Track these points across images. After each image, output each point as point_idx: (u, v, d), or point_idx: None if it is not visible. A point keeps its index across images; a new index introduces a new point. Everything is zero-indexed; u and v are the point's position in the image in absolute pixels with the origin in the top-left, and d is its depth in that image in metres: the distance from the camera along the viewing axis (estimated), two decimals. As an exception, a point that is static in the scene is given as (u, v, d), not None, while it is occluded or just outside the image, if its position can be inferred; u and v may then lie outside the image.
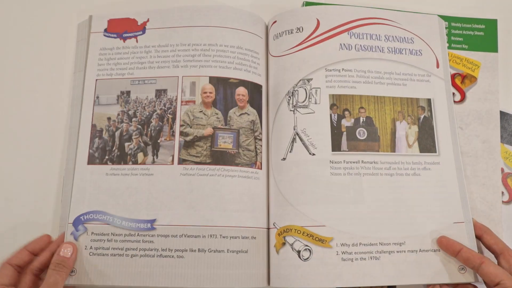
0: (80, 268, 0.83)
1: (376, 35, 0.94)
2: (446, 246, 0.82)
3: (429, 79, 0.92)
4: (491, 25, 1.01)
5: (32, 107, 0.95)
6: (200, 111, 0.88)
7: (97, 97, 0.92)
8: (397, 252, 0.82)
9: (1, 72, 0.97)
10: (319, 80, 0.90)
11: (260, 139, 0.89)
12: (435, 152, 0.88)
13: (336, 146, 0.87)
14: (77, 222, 0.85)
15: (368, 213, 0.84)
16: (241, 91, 0.90)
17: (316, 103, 0.88)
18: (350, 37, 0.93)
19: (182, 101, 0.89)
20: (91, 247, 0.84)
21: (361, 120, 0.89)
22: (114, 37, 0.95)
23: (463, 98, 0.95)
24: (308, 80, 0.89)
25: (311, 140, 0.87)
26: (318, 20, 0.92)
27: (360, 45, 0.92)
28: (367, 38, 0.93)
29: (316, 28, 0.92)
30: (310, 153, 0.86)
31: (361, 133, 0.88)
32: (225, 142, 0.87)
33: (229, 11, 0.94)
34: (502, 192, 0.92)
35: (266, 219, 0.87)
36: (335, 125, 0.88)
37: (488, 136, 0.94)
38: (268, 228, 0.86)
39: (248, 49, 0.92)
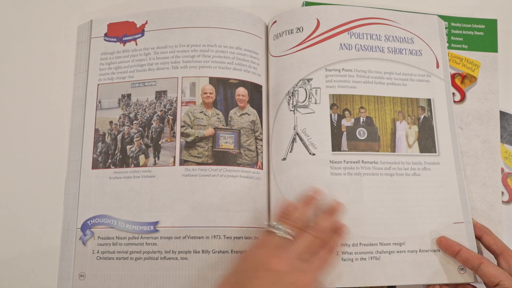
0: (89, 272, 0.85)
1: (376, 35, 0.95)
2: (445, 246, 0.84)
3: (429, 79, 0.94)
4: (491, 25, 1.02)
5: (33, 109, 0.96)
6: (201, 112, 0.90)
7: (99, 102, 0.94)
8: (397, 252, 0.84)
9: (0, 75, 0.98)
10: (319, 80, 0.91)
11: (261, 139, 0.91)
12: (435, 152, 0.90)
13: (336, 146, 0.88)
14: (84, 227, 0.88)
15: (368, 213, 0.86)
16: (241, 91, 0.92)
17: (316, 103, 0.90)
18: (350, 37, 0.94)
19: (182, 102, 0.91)
20: (98, 251, 0.86)
21: (361, 120, 0.90)
22: (114, 41, 0.97)
23: (463, 98, 0.97)
24: (308, 80, 0.91)
25: (311, 140, 0.88)
26: (318, 20, 0.94)
27: (360, 45, 0.94)
28: (367, 38, 0.94)
29: (316, 28, 0.94)
30: (310, 153, 0.88)
31: (361, 133, 0.89)
32: (226, 142, 0.89)
33: (228, 12, 0.95)
34: (502, 192, 0.94)
35: (267, 219, 0.88)
36: (335, 125, 0.89)
37: (488, 136, 0.95)
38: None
39: (248, 50, 0.94)
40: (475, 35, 1.02)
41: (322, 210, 0.82)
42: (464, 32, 1.02)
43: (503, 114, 0.98)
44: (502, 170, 0.95)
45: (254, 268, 0.70)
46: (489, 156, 0.95)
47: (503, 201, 0.93)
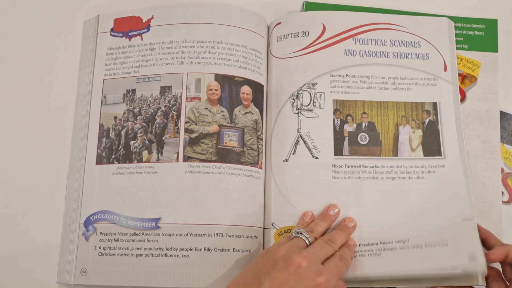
0: (90, 268, 0.82)
1: (381, 40, 0.91)
2: (496, 258, 0.76)
3: (435, 83, 0.89)
4: (491, 25, 0.98)
5: (36, 104, 0.93)
6: (206, 108, 0.86)
7: (104, 97, 0.90)
8: (400, 248, 0.79)
9: (4, 69, 0.95)
10: (324, 85, 0.87)
11: (261, 139, 0.87)
12: (441, 155, 0.86)
13: (338, 151, 0.85)
14: (87, 222, 0.84)
15: (368, 216, 0.82)
16: (246, 89, 0.87)
17: (320, 108, 0.86)
18: (355, 43, 0.90)
19: (187, 98, 0.87)
20: (100, 247, 0.83)
21: (363, 125, 0.87)
22: (120, 36, 0.92)
23: (463, 98, 0.93)
24: (313, 85, 0.87)
25: (314, 144, 0.85)
26: (324, 25, 0.90)
27: (365, 51, 0.90)
28: (372, 44, 0.90)
29: (322, 33, 0.90)
30: (313, 157, 0.84)
31: (363, 138, 0.86)
32: (230, 140, 0.85)
33: (234, 9, 0.91)
34: (502, 192, 0.90)
35: (263, 218, 0.85)
36: (337, 129, 0.86)
37: (488, 136, 0.91)
38: (264, 228, 0.84)
39: (252, 49, 0.90)
40: (475, 35, 0.97)
41: (337, 227, 0.80)
42: (464, 32, 0.97)
43: (503, 114, 0.94)
44: (502, 170, 0.92)
45: (274, 261, 0.69)
46: (489, 156, 0.91)
47: (503, 201, 0.90)
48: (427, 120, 0.87)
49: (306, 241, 0.74)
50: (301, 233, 0.74)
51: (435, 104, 0.88)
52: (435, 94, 0.89)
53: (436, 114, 0.88)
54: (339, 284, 0.73)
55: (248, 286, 0.68)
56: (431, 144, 0.86)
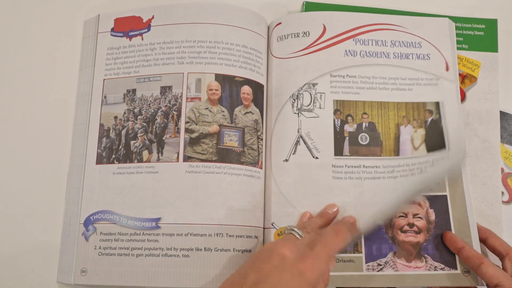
0: (90, 268, 0.81)
1: (382, 41, 0.90)
2: (450, 242, 0.79)
3: (437, 83, 0.88)
4: (491, 25, 0.97)
5: (36, 104, 0.92)
6: (206, 108, 0.85)
7: (105, 97, 0.89)
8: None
9: (4, 69, 0.94)
10: (324, 85, 0.86)
11: (262, 139, 0.86)
12: (445, 148, 0.84)
13: (338, 151, 0.84)
14: (87, 222, 0.83)
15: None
16: (246, 89, 0.86)
17: (320, 108, 0.86)
18: (356, 44, 0.89)
19: (187, 98, 0.86)
20: (99, 247, 0.82)
21: (364, 125, 0.86)
22: (121, 36, 0.91)
23: (463, 98, 0.92)
24: (314, 85, 0.86)
25: (314, 144, 0.84)
26: (324, 26, 0.89)
27: (365, 51, 0.89)
28: (372, 44, 0.89)
29: (322, 34, 0.89)
30: (313, 157, 0.83)
31: (363, 138, 0.85)
32: (231, 140, 0.84)
33: (235, 10, 0.90)
34: (502, 192, 0.89)
35: (263, 218, 0.84)
36: (338, 130, 0.85)
37: (488, 136, 0.90)
38: (264, 228, 0.84)
39: (253, 48, 0.89)
40: (475, 35, 0.96)
41: (334, 222, 0.80)
42: (464, 32, 0.96)
43: (503, 114, 0.93)
44: (502, 170, 0.91)
45: (260, 254, 0.68)
46: (489, 156, 0.90)
47: (503, 201, 0.89)
48: (429, 119, 0.86)
49: (297, 236, 0.72)
50: (293, 229, 0.73)
51: (437, 103, 0.87)
52: (436, 94, 0.87)
53: (438, 113, 0.87)
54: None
55: (235, 281, 0.67)
56: (435, 142, 0.85)
